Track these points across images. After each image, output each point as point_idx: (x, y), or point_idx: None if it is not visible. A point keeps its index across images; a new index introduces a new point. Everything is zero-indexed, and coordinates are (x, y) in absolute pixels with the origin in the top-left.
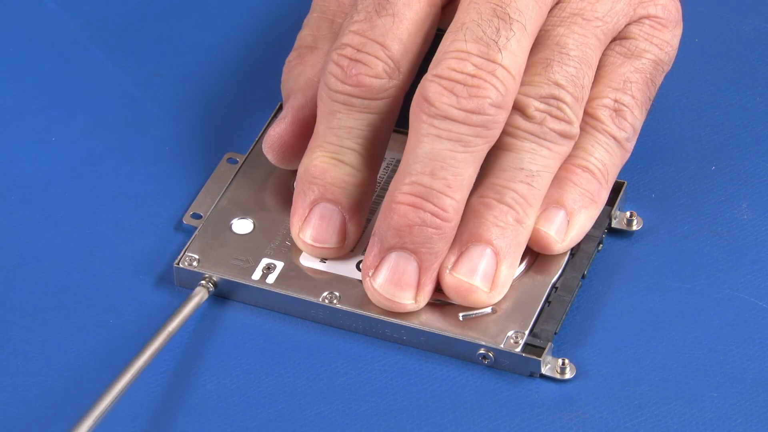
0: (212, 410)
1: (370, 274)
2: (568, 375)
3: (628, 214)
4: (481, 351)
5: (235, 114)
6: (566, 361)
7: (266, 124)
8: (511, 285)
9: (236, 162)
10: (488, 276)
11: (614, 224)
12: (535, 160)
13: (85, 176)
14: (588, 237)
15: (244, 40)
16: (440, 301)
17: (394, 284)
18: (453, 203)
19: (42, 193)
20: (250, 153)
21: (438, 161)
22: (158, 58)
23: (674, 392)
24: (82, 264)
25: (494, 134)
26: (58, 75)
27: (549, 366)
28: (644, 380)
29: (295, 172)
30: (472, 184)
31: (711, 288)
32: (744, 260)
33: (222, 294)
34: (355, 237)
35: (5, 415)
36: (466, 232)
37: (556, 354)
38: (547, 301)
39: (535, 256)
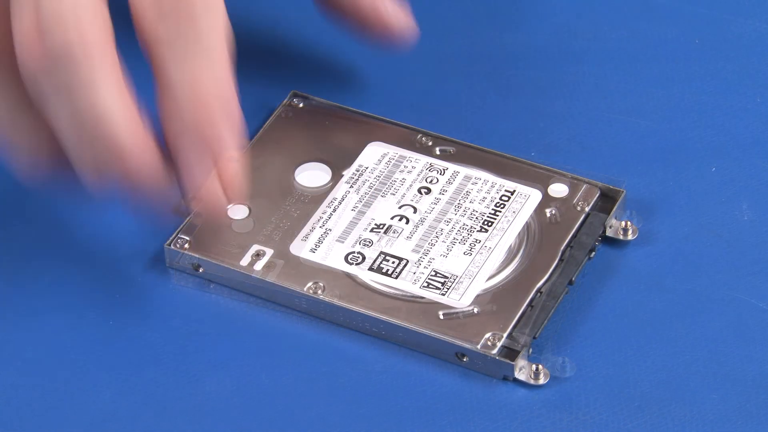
0: (212, 410)
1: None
2: (541, 381)
3: (623, 223)
4: (457, 351)
5: None
6: (540, 366)
7: (266, 123)
8: (496, 288)
9: None
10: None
11: (609, 233)
12: None
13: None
14: (579, 244)
15: (244, 40)
16: (423, 299)
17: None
18: None
19: (41, 192)
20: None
21: None
22: None
23: (674, 393)
24: (82, 264)
25: None
26: None
27: (523, 370)
28: (644, 380)
29: (296, 168)
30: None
31: (711, 288)
32: (744, 261)
33: (209, 278)
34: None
35: (5, 415)
36: None
37: (556, 353)
38: (530, 305)
39: (525, 261)
